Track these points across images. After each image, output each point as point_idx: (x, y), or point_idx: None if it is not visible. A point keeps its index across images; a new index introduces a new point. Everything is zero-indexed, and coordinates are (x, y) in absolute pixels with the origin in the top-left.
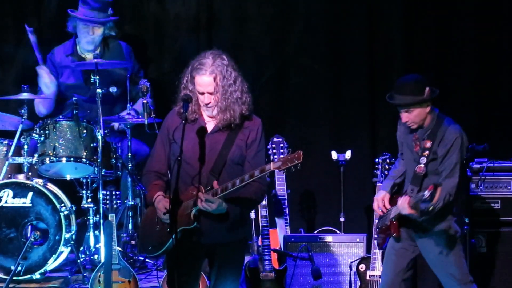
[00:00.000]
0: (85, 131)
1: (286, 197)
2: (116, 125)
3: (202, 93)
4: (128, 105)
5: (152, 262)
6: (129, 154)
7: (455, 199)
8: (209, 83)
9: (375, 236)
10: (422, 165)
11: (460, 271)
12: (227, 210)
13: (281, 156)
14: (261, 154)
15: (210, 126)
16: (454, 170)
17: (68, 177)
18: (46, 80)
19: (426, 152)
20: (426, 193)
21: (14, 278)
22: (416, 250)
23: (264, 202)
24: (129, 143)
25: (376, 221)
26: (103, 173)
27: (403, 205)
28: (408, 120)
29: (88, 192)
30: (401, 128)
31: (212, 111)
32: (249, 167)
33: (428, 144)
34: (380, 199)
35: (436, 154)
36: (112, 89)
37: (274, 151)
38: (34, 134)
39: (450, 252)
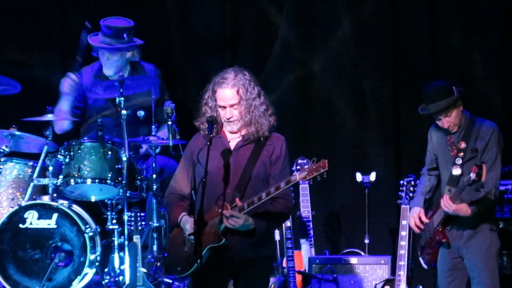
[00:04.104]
0: (110, 152)
1: (310, 218)
2: (144, 147)
3: (224, 107)
4: (153, 126)
5: (177, 283)
6: (154, 176)
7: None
8: (232, 96)
9: (421, 255)
10: (458, 166)
11: (493, 282)
12: (254, 226)
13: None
14: (286, 171)
15: (233, 143)
16: (495, 163)
17: (93, 199)
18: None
19: (461, 153)
20: (472, 175)
21: None
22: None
23: (288, 224)
24: (154, 165)
25: (401, 244)
26: (128, 194)
27: (447, 203)
28: (449, 124)
29: (113, 213)
30: (433, 140)
31: (234, 126)
32: (275, 183)
33: (463, 145)
34: (416, 216)
35: (475, 151)
36: (139, 113)
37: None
38: (59, 156)
39: (489, 259)
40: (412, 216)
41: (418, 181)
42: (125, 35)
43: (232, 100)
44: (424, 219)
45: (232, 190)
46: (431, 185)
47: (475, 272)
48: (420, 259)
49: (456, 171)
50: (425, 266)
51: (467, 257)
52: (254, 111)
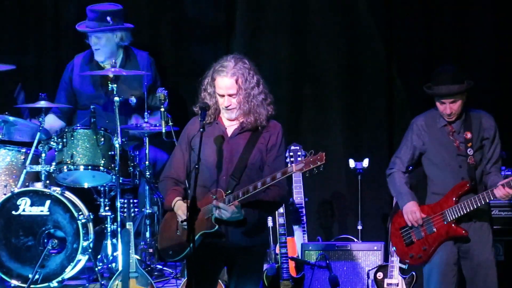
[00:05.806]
0: (102, 139)
1: (303, 205)
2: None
3: (222, 96)
4: (146, 113)
5: (170, 270)
6: (147, 162)
7: None
8: (231, 85)
9: (405, 254)
10: (472, 156)
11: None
12: (245, 217)
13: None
14: (281, 159)
15: (230, 130)
16: (499, 158)
17: (85, 185)
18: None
19: (470, 143)
20: None
21: (32, 286)
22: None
23: (281, 210)
24: (146, 151)
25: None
26: (120, 181)
27: (506, 191)
28: (452, 111)
29: (106, 200)
30: (422, 134)
31: (232, 114)
32: (269, 171)
33: (469, 135)
34: (416, 210)
35: (483, 141)
36: (131, 100)
37: (291, 159)
38: (51, 142)
39: (493, 253)
40: (411, 211)
41: (411, 168)
42: (108, 18)
43: (230, 90)
44: (421, 214)
45: (228, 177)
46: (410, 183)
47: (484, 267)
48: (401, 264)
49: (473, 162)
50: (403, 266)
51: (475, 251)
52: (252, 100)
